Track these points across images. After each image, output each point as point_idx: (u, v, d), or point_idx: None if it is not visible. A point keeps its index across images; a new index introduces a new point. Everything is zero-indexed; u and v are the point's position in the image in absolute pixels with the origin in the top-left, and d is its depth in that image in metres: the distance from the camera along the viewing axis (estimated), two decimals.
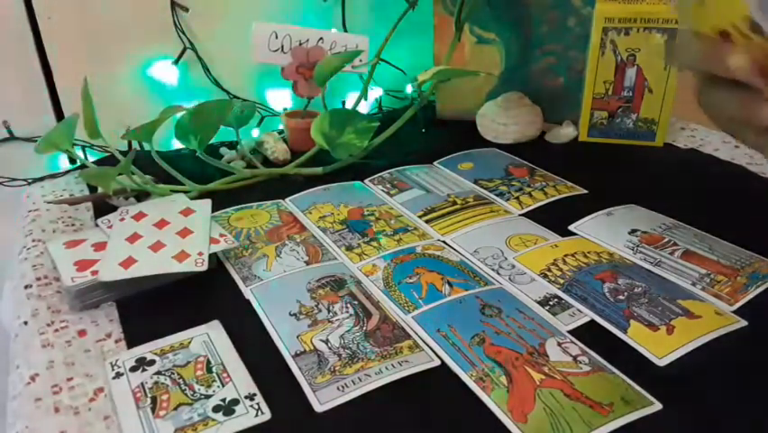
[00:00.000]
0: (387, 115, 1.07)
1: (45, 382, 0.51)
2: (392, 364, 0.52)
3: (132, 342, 0.55)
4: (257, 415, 0.47)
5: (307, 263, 0.66)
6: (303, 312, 0.58)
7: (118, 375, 0.51)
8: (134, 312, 0.59)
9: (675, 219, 0.73)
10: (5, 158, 0.88)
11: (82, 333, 0.57)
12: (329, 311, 0.58)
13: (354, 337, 0.55)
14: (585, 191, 0.82)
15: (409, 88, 1.10)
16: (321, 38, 0.93)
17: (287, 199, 0.80)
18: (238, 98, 0.99)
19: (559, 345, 0.54)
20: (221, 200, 0.77)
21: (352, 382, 0.50)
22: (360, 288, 0.62)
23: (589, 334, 0.55)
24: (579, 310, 0.58)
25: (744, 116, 0.40)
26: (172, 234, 0.65)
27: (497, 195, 0.81)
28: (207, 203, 0.71)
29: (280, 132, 0.99)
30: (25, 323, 0.58)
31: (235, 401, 0.48)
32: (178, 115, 0.77)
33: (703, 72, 0.42)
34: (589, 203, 0.77)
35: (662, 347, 0.53)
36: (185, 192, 0.77)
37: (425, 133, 1.01)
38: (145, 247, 0.63)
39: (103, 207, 0.76)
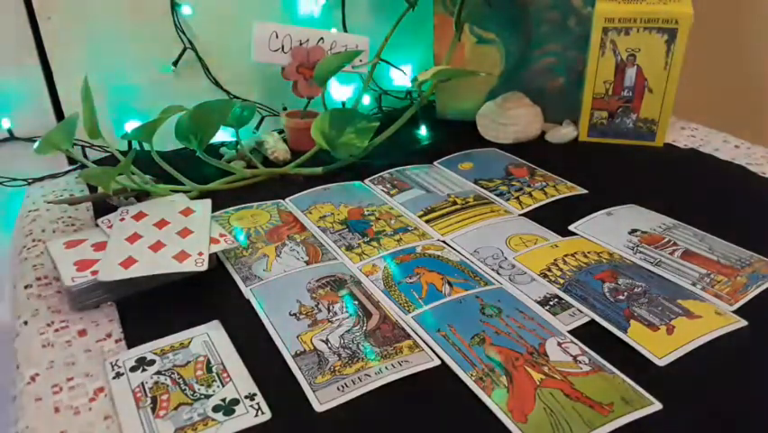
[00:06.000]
0: (387, 115, 1.07)
1: (45, 382, 0.51)
2: (392, 364, 0.52)
3: (132, 342, 0.55)
4: (257, 415, 0.47)
5: (307, 263, 0.66)
6: (303, 312, 0.58)
7: (118, 375, 0.51)
8: (134, 312, 0.59)
9: (675, 219, 0.73)
10: (5, 158, 0.88)
11: (82, 333, 0.57)
12: (329, 311, 0.58)
13: (354, 337, 0.55)
14: (585, 191, 0.82)
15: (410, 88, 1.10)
16: (321, 38, 0.93)
17: (287, 199, 0.80)
18: (238, 98, 0.99)
19: (559, 345, 0.54)
20: (221, 200, 0.77)
21: (352, 381, 0.50)
22: (360, 288, 0.62)
23: (589, 334, 0.55)
24: (579, 310, 0.58)
25: None
26: (172, 234, 0.65)
27: (497, 195, 0.81)
28: (207, 203, 0.71)
29: (280, 132, 0.99)
30: (25, 323, 0.58)
31: (235, 401, 0.48)
32: (178, 114, 0.77)
33: None
34: (589, 203, 0.77)
35: (662, 347, 0.53)
36: (185, 192, 0.77)
37: (424, 133, 1.01)
38: (145, 247, 0.63)
39: (103, 207, 0.76)
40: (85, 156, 0.89)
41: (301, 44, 0.92)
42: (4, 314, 0.70)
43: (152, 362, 0.53)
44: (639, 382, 0.50)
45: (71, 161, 0.91)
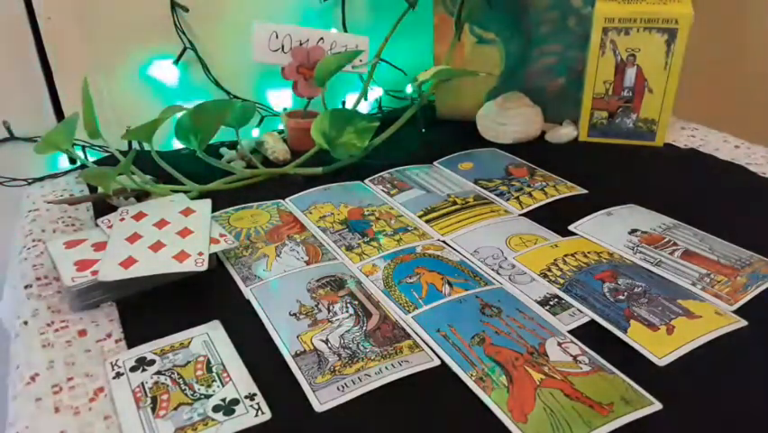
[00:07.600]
0: (387, 115, 1.07)
1: (45, 382, 0.51)
2: (392, 364, 0.52)
3: (132, 342, 0.55)
4: (257, 415, 0.47)
5: (307, 263, 0.66)
6: (303, 312, 0.58)
7: (118, 375, 0.51)
8: (134, 312, 0.59)
9: (675, 219, 0.73)
10: (5, 158, 0.88)
11: (82, 333, 0.57)
12: (329, 311, 0.58)
13: (354, 337, 0.55)
14: (585, 191, 0.82)
15: (409, 88, 1.10)
16: (321, 38, 0.93)
17: (287, 199, 0.80)
18: (238, 98, 0.99)
19: (559, 345, 0.54)
20: (221, 200, 0.77)
21: (352, 381, 0.50)
22: (360, 288, 0.62)
23: (589, 334, 0.55)
24: (579, 310, 0.58)
25: None
26: (172, 234, 0.65)
27: (497, 195, 0.81)
28: (207, 203, 0.71)
29: (280, 132, 0.99)
30: (25, 323, 0.58)
31: (235, 401, 0.48)
32: (178, 115, 0.77)
33: None
34: (589, 203, 0.77)
35: (662, 347, 0.53)
36: (185, 192, 0.77)
37: (424, 133, 1.01)
38: (145, 247, 0.63)
39: (103, 207, 0.76)
40: (85, 156, 0.89)
41: (301, 44, 0.92)
42: (3, 314, 0.70)
43: (152, 362, 0.53)
44: (639, 382, 0.50)
45: (71, 160, 0.91)
